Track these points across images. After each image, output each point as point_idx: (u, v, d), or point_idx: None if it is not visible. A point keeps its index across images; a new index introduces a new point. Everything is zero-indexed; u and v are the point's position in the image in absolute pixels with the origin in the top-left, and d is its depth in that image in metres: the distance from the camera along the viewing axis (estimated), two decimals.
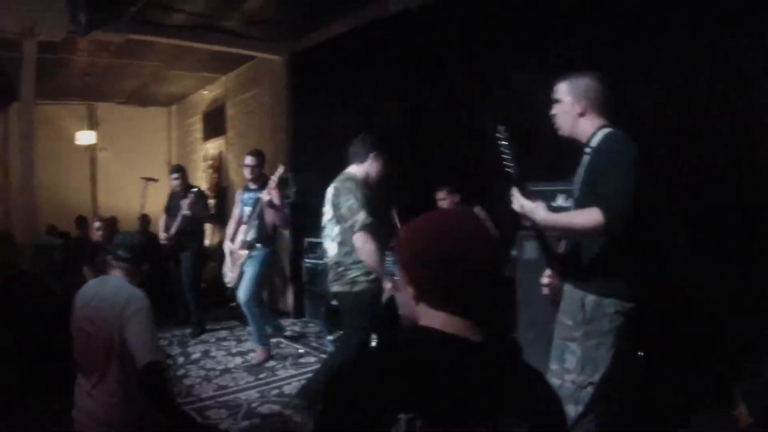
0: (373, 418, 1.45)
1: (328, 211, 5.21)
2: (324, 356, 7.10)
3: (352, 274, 5.01)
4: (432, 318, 1.66)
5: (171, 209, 8.78)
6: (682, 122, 5.38)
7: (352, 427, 1.47)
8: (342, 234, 5.07)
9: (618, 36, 5.65)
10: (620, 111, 5.52)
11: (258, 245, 7.11)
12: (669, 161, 5.35)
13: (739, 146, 5.05)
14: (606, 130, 3.36)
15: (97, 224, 8.29)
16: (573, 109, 3.45)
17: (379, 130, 8.26)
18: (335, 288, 5.19)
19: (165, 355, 7.14)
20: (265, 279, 7.71)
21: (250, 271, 7.08)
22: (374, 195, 5.24)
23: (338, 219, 5.06)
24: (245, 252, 7.10)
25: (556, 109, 3.53)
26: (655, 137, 5.36)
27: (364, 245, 4.86)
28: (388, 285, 5.04)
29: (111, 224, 12.42)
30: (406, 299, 1.77)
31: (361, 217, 4.86)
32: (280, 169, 6.66)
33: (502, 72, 6.86)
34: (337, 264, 5.13)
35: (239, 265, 7.14)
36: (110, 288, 3.65)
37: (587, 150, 3.39)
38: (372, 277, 5.00)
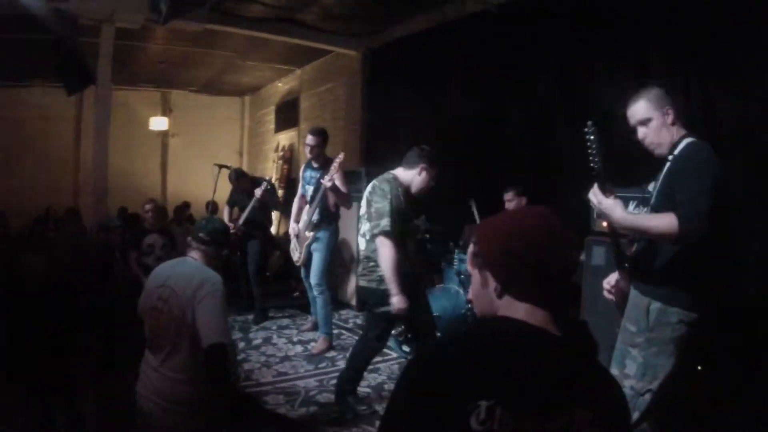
0: (454, 403, 1.47)
1: (363, 206, 5.15)
2: (385, 350, 7.04)
3: (381, 271, 4.90)
4: (516, 310, 1.68)
5: (234, 201, 8.84)
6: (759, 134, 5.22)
7: (432, 410, 1.49)
8: (370, 231, 5.01)
9: (704, 39, 5.54)
10: (703, 118, 5.47)
11: (323, 225, 7.07)
12: (744, 174, 5.23)
13: None
14: (689, 140, 3.30)
15: (147, 206, 8.24)
16: (665, 121, 3.36)
17: (453, 128, 8.27)
18: (362, 282, 5.14)
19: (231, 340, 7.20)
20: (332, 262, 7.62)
21: (317, 255, 7.08)
22: (416, 206, 5.28)
23: (368, 217, 5.00)
24: (311, 234, 7.08)
25: (645, 130, 3.41)
26: (733, 149, 5.26)
27: (381, 249, 4.80)
28: (395, 299, 4.76)
29: (172, 209, 12.52)
30: (484, 294, 1.77)
31: (384, 222, 4.80)
32: (341, 156, 6.59)
33: (579, 74, 6.76)
34: (367, 259, 5.07)
35: (306, 246, 7.13)
36: (187, 269, 3.69)
37: (670, 158, 3.32)
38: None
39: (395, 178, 5.07)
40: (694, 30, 5.57)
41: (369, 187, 5.11)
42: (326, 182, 6.47)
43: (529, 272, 1.66)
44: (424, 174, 5.07)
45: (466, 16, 8.08)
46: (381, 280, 4.86)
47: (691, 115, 5.35)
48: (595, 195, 3.26)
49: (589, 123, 3.09)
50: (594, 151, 3.13)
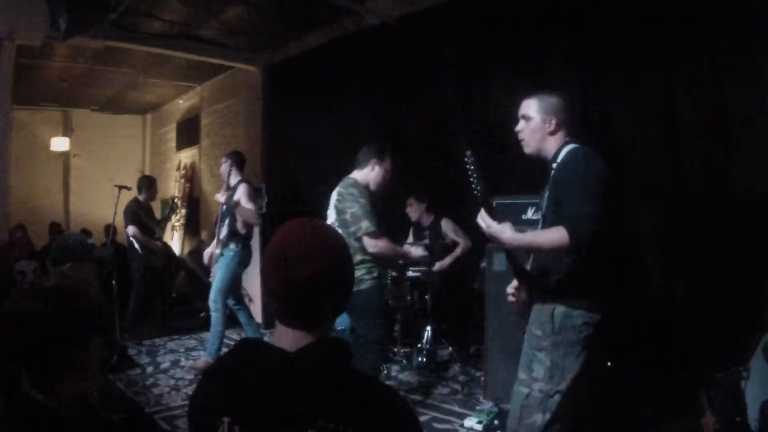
0: (208, 418, 1.66)
1: (331, 215, 5.16)
2: None
3: (357, 273, 4.90)
4: (276, 333, 1.76)
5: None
6: (656, 136, 5.46)
7: (198, 424, 1.74)
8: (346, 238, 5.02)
9: (601, 46, 5.77)
10: (596, 126, 5.59)
11: (231, 245, 7.10)
12: (640, 173, 5.50)
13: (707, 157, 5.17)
14: (571, 146, 3.40)
15: (18, 233, 8.15)
16: (543, 127, 3.48)
17: (353, 141, 8.38)
18: None
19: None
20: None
21: (218, 273, 7.06)
22: (378, 201, 5.28)
23: (341, 224, 4.98)
24: (218, 252, 7.10)
25: (523, 126, 3.56)
26: (628, 151, 5.51)
27: (376, 246, 4.86)
28: (414, 253, 5.33)
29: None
30: None
31: (365, 224, 4.84)
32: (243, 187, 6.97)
33: (477, 84, 6.99)
34: None
35: (215, 264, 7.14)
36: None
37: (553, 166, 3.43)
38: (375, 274, 4.97)
39: (356, 182, 5.11)
40: (591, 38, 5.80)
41: (335, 195, 5.13)
42: (218, 198, 6.64)
43: (271, 295, 1.74)
44: (377, 169, 5.17)
45: (365, 29, 8.21)
46: (360, 281, 4.88)
47: (589, 120, 5.63)
48: (483, 219, 3.29)
49: (468, 153, 3.14)
50: (475, 179, 3.18)
